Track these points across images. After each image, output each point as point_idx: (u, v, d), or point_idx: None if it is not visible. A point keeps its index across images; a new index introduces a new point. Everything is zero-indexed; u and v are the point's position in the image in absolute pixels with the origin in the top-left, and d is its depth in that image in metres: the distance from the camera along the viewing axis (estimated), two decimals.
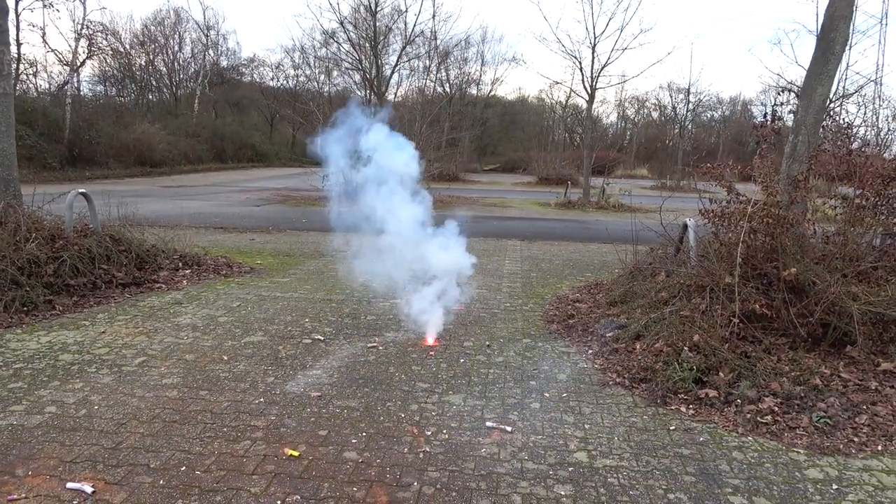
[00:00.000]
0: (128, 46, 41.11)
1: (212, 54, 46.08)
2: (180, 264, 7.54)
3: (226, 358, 4.68)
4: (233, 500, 2.84)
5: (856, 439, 3.55)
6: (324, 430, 3.56)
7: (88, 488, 2.87)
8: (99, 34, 31.64)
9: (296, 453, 3.28)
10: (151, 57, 43.34)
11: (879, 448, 3.47)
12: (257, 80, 51.22)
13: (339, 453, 3.30)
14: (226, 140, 39.15)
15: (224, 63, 48.32)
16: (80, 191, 7.06)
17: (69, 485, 2.90)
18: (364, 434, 3.53)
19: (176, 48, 44.73)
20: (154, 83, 44.98)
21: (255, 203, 17.83)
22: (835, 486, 3.09)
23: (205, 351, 4.82)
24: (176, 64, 45.21)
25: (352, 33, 28.43)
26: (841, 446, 3.48)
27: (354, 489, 2.96)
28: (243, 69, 50.70)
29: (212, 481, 2.98)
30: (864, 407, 3.87)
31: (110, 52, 37.05)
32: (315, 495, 2.90)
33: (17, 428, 3.45)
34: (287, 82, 49.70)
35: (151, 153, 29.55)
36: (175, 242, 8.06)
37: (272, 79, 51.05)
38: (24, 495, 2.81)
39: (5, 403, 3.76)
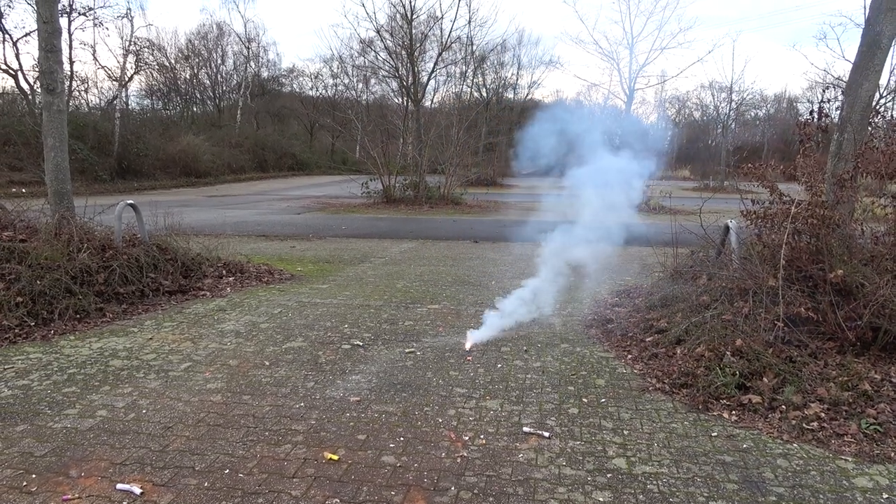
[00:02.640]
0: (173, 61, 42.47)
1: (253, 66, 47.23)
2: (224, 272, 7.73)
3: (267, 363, 4.78)
4: (274, 502, 2.90)
5: None
6: (363, 434, 3.61)
7: (137, 489, 2.97)
8: (146, 50, 32.80)
9: (335, 457, 3.34)
10: (195, 70, 44.65)
11: None
12: (297, 90, 52.26)
13: (377, 457, 3.34)
14: (267, 150, 40.01)
15: (265, 74, 49.48)
16: (129, 202, 7.32)
17: (119, 486, 3.01)
18: (402, 438, 3.56)
19: (219, 61, 46.02)
20: (198, 96, 46.31)
21: (296, 211, 18.15)
22: (885, 496, 2.99)
23: (247, 356, 4.93)
24: (219, 76, 46.48)
25: (388, 41, 28.77)
26: (892, 454, 3.37)
27: (392, 493, 2.99)
28: (283, 80, 51.81)
29: (254, 484, 3.06)
30: None
31: (156, 66, 38.35)
32: (354, 499, 2.94)
33: (70, 431, 3.60)
34: (326, 91, 50.58)
35: (196, 164, 30.41)
36: (219, 251, 8.27)
37: (311, 88, 52.03)
38: (77, 496, 2.92)
39: (60, 407, 3.92)
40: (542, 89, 73.79)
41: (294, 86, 52.51)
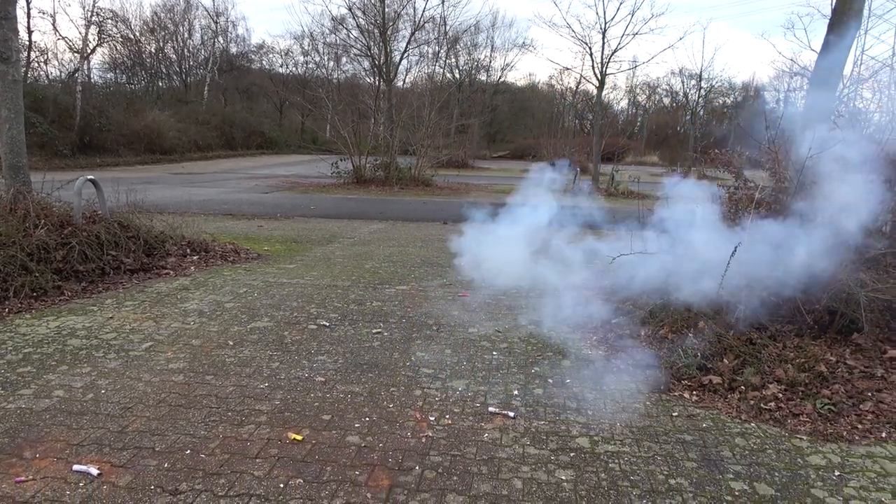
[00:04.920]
0: (137, 34, 41.19)
1: (221, 41, 46.14)
2: (188, 251, 7.59)
3: (232, 343, 4.71)
4: (236, 483, 2.87)
5: (860, 426, 3.53)
6: (327, 414, 3.59)
7: (94, 470, 2.91)
8: (109, 21, 31.76)
9: (299, 437, 3.31)
10: (161, 44, 43.41)
11: (883, 435, 3.46)
12: (266, 67, 51.23)
13: (342, 437, 3.33)
14: (235, 127, 39.24)
15: (233, 50, 48.37)
16: (89, 177, 7.11)
17: (75, 467, 2.94)
18: (367, 419, 3.55)
19: (186, 35, 44.80)
20: (164, 70, 45.06)
21: (264, 190, 17.88)
22: (837, 473, 3.08)
23: (211, 336, 4.86)
24: (186, 51, 45.27)
25: (360, 19, 28.30)
26: (844, 433, 3.47)
27: (356, 473, 2.99)
28: (252, 56, 50.72)
29: (216, 464, 3.02)
30: (869, 394, 3.85)
31: (120, 39, 37.16)
32: (317, 478, 2.93)
33: (25, 411, 3.50)
34: (296, 69, 49.68)
35: (161, 140, 29.67)
36: (183, 229, 8.10)
37: (281, 66, 51.07)
38: (31, 477, 2.85)
39: (14, 387, 3.81)
40: (515, 72, 73.66)
41: (263, 63, 51.50)
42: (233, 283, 6.52)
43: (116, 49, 38.61)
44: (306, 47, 45.23)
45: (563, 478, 3.00)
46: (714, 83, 42.04)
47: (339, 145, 20.53)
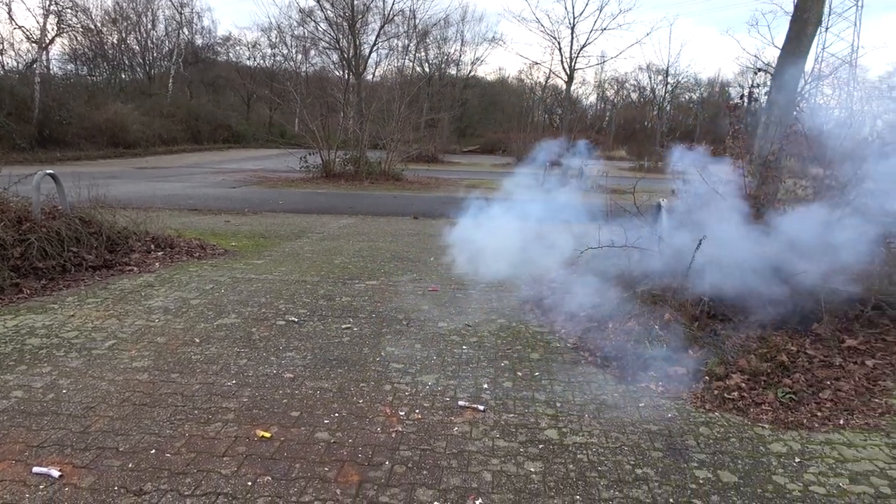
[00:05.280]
0: (99, 24, 40.10)
1: (186, 32, 45.26)
2: (153, 247, 7.44)
3: (198, 340, 4.64)
4: (203, 482, 2.83)
5: (819, 414, 3.63)
6: (296, 411, 3.56)
7: (55, 472, 2.84)
8: (68, 10, 30.78)
9: (268, 434, 3.28)
10: (124, 35, 42.35)
11: (841, 422, 3.56)
12: (233, 59, 50.45)
13: (311, 434, 3.31)
14: (201, 120, 38.54)
15: (199, 42, 47.49)
16: (48, 172, 6.91)
17: (35, 469, 2.87)
18: (337, 415, 3.53)
19: (149, 26, 43.78)
20: (127, 62, 43.99)
21: (231, 184, 17.62)
22: (797, 460, 3.17)
23: (176, 334, 4.77)
24: (149, 42, 44.27)
25: (329, 11, 28.06)
26: (804, 421, 3.57)
27: (326, 469, 2.97)
28: (219, 48, 49.86)
29: (182, 464, 2.97)
30: (828, 382, 3.97)
31: (80, 29, 36.08)
32: (286, 475, 2.90)
33: None
34: (263, 62, 49.05)
35: (125, 134, 29.01)
36: (147, 224, 7.94)
37: (248, 58, 50.36)
38: None
39: None
40: (485, 66, 73.71)
41: (230, 55, 50.68)
42: (199, 280, 6.41)
43: (77, 40, 37.54)
44: (274, 40, 44.77)
45: (532, 470, 3.02)
46: (680, 79, 42.81)
47: (308, 139, 20.31)
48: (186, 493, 2.75)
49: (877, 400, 3.83)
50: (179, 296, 5.79)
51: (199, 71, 46.23)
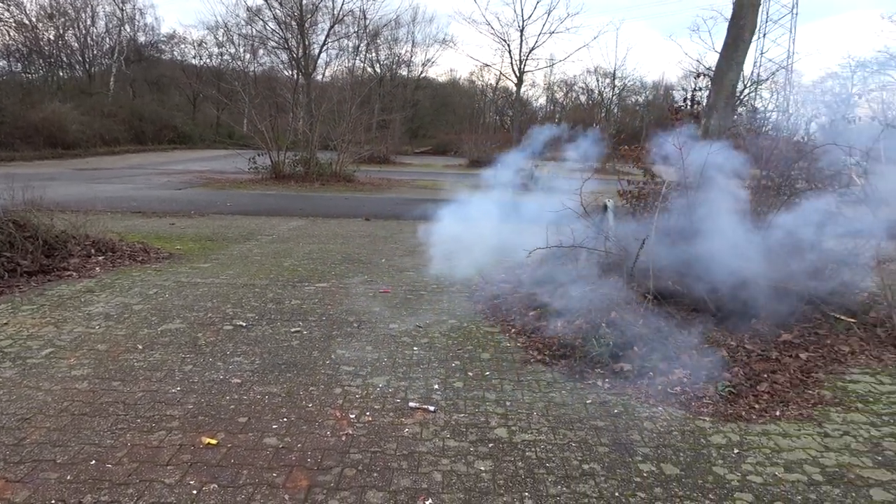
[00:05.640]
0: (34, 19, 38.45)
1: (128, 29, 43.89)
2: (93, 251, 7.18)
3: (140, 347, 4.51)
4: (145, 492, 2.76)
5: (756, 406, 3.78)
6: (244, 416, 3.50)
7: None
8: (0, 5, 29.44)
9: (214, 441, 3.22)
10: (61, 31, 40.73)
11: (777, 413, 3.71)
12: (178, 58, 49.19)
13: (259, 440, 3.26)
14: (145, 120, 37.42)
15: (142, 39, 46.11)
16: None
17: None
18: (286, 419, 3.49)
19: (88, 22, 42.25)
20: (65, 59, 42.32)
21: (177, 186, 17.17)
22: (736, 451, 3.29)
23: (118, 340, 4.63)
24: (89, 39, 42.70)
25: (277, 10, 27.66)
26: (743, 413, 3.70)
27: (274, 475, 2.93)
28: (163, 46, 48.54)
29: (123, 474, 2.89)
30: (765, 375, 4.13)
31: (13, 24, 34.57)
32: (233, 482, 2.85)
33: None
34: (210, 61, 48.00)
35: (63, 134, 27.93)
36: (88, 228, 7.65)
37: (194, 57, 49.22)
38: None
39: None
40: (437, 67, 73.94)
41: (175, 53, 49.41)
42: (142, 285, 6.23)
43: (9, 35, 35.94)
44: (221, 38, 43.84)
45: (482, 468, 3.05)
46: (627, 82, 43.73)
47: (257, 140, 19.97)
48: (128, 503, 2.67)
49: (810, 391, 4.00)
50: (121, 301, 5.61)
51: (142, 69, 44.85)
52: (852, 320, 5.01)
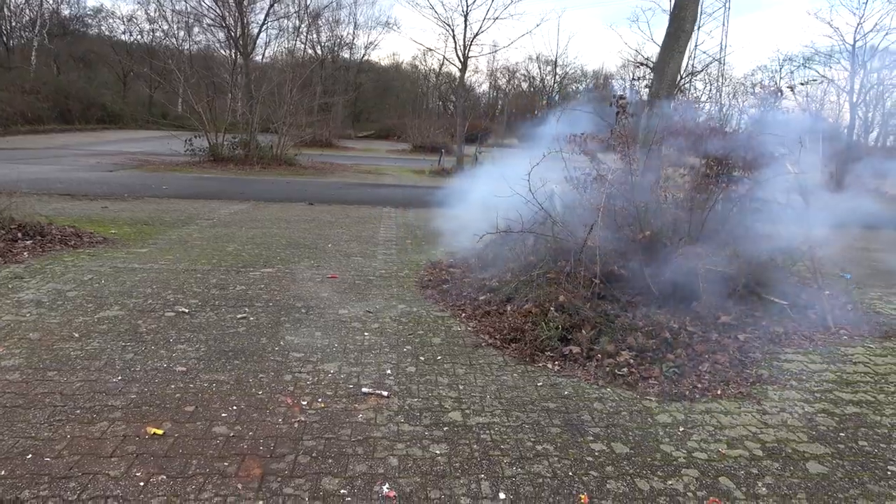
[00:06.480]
0: None
1: (50, 1, 41.40)
2: (19, 235, 6.79)
3: (77, 335, 4.30)
4: (89, 485, 2.64)
5: (699, 385, 3.93)
6: (190, 405, 3.40)
7: None
8: None
9: (160, 431, 3.11)
10: None
11: (719, 392, 3.87)
12: (106, 33, 46.81)
13: (207, 429, 3.17)
14: (71, 98, 35.50)
15: (66, 12, 43.63)
16: None
17: None
18: (235, 408, 3.41)
19: None
20: None
21: (108, 168, 16.40)
22: (682, 429, 3.41)
23: (52, 328, 4.40)
24: (5, 10, 40.07)
25: None
26: (687, 392, 3.84)
27: (225, 464, 2.86)
28: (89, 20, 46.08)
29: (64, 468, 2.76)
30: (706, 356, 4.29)
31: None
32: (182, 473, 2.77)
33: None
34: (141, 37, 45.92)
35: None
36: (12, 210, 7.22)
37: (124, 33, 46.94)
38: None
39: None
40: (379, 51, 73.00)
41: (103, 28, 47.00)
42: (75, 270, 5.93)
43: None
44: (153, 14, 41.96)
45: (438, 452, 3.06)
46: (568, 70, 44.39)
47: (194, 121, 19.27)
48: (71, 498, 2.55)
49: (748, 371, 4.19)
50: (54, 287, 5.33)
51: (66, 44, 42.45)
52: (785, 303, 5.26)
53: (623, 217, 5.42)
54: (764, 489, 2.88)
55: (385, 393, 3.67)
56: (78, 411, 3.27)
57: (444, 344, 4.53)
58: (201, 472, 2.78)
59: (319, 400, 3.55)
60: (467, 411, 3.51)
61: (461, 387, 3.82)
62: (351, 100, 44.13)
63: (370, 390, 3.69)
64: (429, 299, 5.63)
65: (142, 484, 2.67)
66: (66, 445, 2.94)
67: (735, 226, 5.52)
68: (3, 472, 2.70)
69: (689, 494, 2.80)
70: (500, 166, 10.63)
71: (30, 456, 2.84)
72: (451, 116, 40.72)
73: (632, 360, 4.16)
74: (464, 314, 5.18)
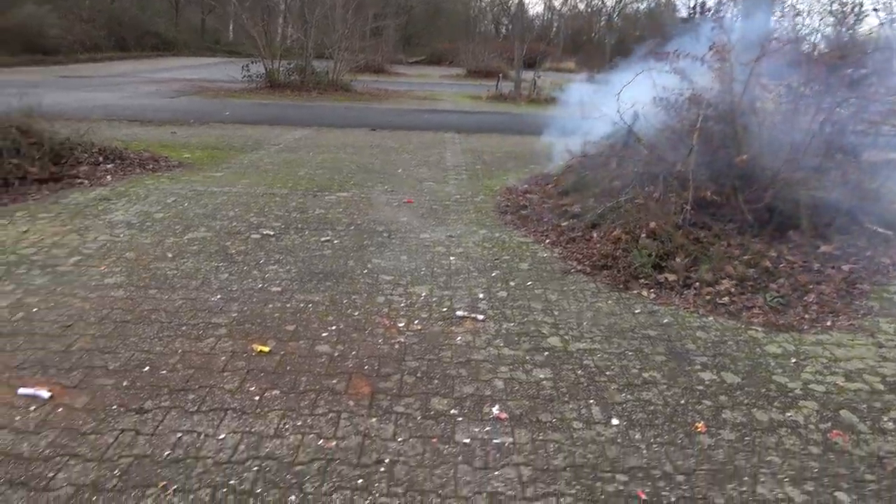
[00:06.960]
0: None
1: None
2: (101, 159, 6.91)
3: (170, 255, 4.38)
4: (207, 398, 2.70)
5: (807, 316, 3.75)
6: (291, 325, 3.43)
7: (45, 393, 2.65)
8: None
9: (266, 349, 3.15)
10: None
11: (828, 324, 3.69)
12: None
13: (311, 347, 3.19)
14: (125, 26, 35.60)
15: None
16: None
17: (21, 391, 2.67)
18: (334, 327, 3.42)
19: None
20: None
21: (169, 94, 16.50)
22: (793, 360, 3.27)
23: (145, 248, 4.49)
24: None
25: None
26: (794, 323, 3.67)
27: (334, 381, 2.88)
28: None
29: (180, 380, 2.82)
30: (811, 287, 4.08)
31: None
32: (293, 389, 2.80)
33: None
34: None
35: (42, 40, 26.54)
36: (90, 136, 7.33)
37: None
38: None
39: None
40: None
41: None
42: (157, 193, 6.02)
43: None
44: None
45: (542, 376, 3.02)
46: None
47: (248, 46, 19.08)
48: (192, 409, 2.62)
49: (857, 302, 3.97)
50: (140, 209, 5.43)
51: None
52: (891, 233, 4.94)
53: (720, 139, 5.11)
54: (891, 423, 2.74)
55: (480, 317, 3.62)
56: (184, 328, 3.33)
57: (533, 269, 4.44)
58: (312, 389, 2.81)
59: (416, 322, 3.53)
60: (566, 337, 3.44)
61: (556, 312, 3.74)
62: (402, 24, 42.98)
63: (465, 314, 3.65)
64: (509, 225, 5.51)
65: (257, 398, 2.72)
66: (179, 359, 3.00)
67: (840, 150, 5.15)
68: (125, 383, 2.78)
69: (812, 426, 2.69)
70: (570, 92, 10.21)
71: (147, 368, 2.91)
72: (504, 40, 39.34)
73: (732, 290, 3.99)
74: (547, 240, 5.05)
